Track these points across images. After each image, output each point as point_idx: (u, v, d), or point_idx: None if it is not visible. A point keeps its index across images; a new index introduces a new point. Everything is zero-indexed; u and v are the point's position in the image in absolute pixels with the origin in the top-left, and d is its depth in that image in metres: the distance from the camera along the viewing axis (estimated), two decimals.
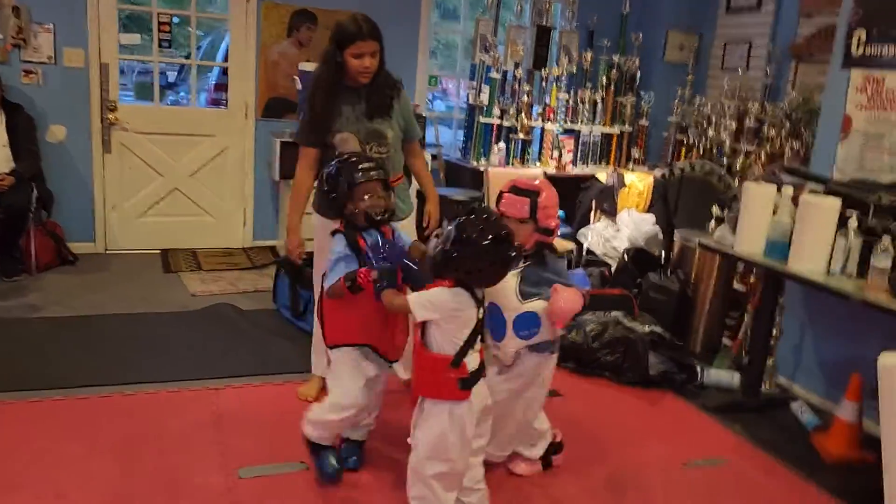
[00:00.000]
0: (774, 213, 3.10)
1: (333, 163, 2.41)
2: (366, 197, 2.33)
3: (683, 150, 5.60)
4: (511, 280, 2.27)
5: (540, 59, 5.64)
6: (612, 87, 5.83)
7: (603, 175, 5.23)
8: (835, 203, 2.85)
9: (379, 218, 2.36)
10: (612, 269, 4.44)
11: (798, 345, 3.59)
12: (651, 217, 4.67)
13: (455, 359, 2.07)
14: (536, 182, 2.37)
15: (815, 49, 4.87)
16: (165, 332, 3.77)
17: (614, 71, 5.82)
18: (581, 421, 3.12)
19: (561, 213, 5.27)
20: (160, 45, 5.17)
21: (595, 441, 2.97)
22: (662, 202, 4.92)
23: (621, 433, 3.05)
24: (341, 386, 2.42)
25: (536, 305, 2.31)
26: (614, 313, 3.72)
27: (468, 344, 2.08)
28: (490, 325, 2.32)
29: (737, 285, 4.14)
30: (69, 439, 2.64)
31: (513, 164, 5.50)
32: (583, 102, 5.76)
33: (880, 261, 2.61)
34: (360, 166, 2.35)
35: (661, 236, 4.55)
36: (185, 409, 2.94)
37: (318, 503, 2.38)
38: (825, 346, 3.48)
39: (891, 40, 3.13)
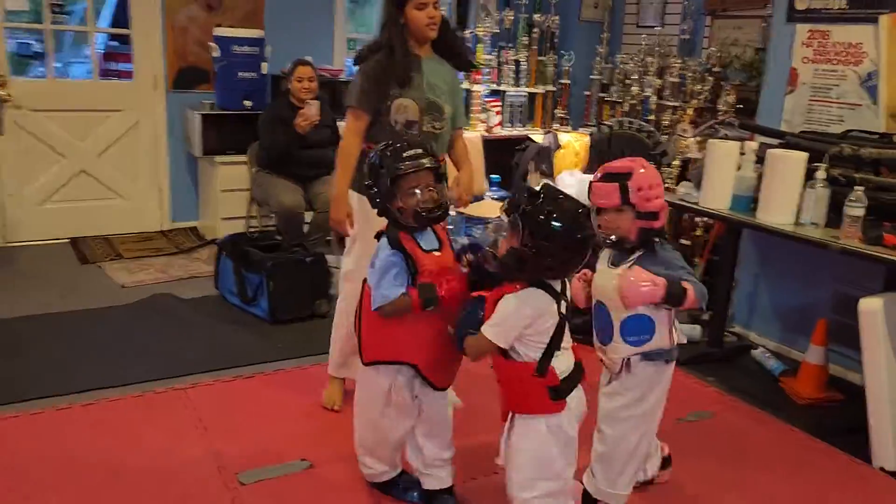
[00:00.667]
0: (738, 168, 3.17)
1: (375, 152, 2.03)
2: (416, 191, 1.95)
3: (607, 108, 5.69)
4: (618, 275, 1.96)
5: (462, 19, 5.52)
6: (534, 47, 5.79)
7: (538, 136, 5.21)
8: (802, 156, 2.95)
9: (429, 215, 1.97)
10: None
11: (752, 294, 3.74)
12: (590, 176, 4.69)
13: (539, 366, 1.81)
14: (628, 163, 2.01)
15: (730, 4, 5.01)
16: (104, 330, 3.42)
17: (535, 30, 5.78)
18: None
19: (496, 177, 5.24)
20: (52, 11, 4.62)
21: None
22: (599, 161, 4.96)
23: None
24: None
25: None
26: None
27: (553, 346, 1.81)
28: (597, 327, 2.06)
29: (683, 241, 4.26)
30: (36, 464, 2.34)
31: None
32: (506, 63, 5.70)
33: (854, 209, 2.72)
34: (405, 154, 1.95)
35: None
36: (159, 414, 2.69)
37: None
38: (778, 295, 3.65)
39: None
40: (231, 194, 4.74)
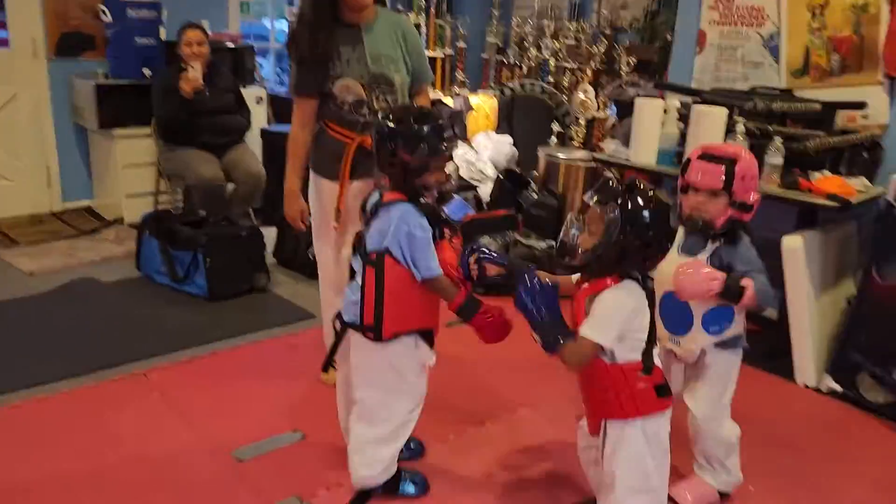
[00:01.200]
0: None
1: (411, 123, 1.85)
2: (445, 169, 1.93)
3: (506, 70, 5.83)
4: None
5: None
6: (432, 10, 5.82)
7: (448, 99, 5.27)
8: (722, 111, 3.21)
9: (447, 195, 1.96)
10: (479, 192, 4.56)
11: None
12: (508, 138, 4.84)
13: (645, 364, 1.70)
14: (733, 148, 1.98)
15: None
16: (26, 321, 3.16)
17: None
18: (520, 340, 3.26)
19: None
20: None
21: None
22: (507, 123, 5.13)
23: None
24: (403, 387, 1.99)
25: None
26: (511, 235, 3.89)
27: (651, 342, 1.71)
28: (669, 316, 1.98)
29: None
30: (8, 470, 2.17)
31: None
32: None
33: (773, 158, 3.03)
34: (446, 133, 1.88)
35: (517, 155, 4.76)
36: (125, 402, 2.56)
37: (334, 472, 2.23)
38: None
39: None
40: (134, 170, 4.46)
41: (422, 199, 1.89)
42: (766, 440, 2.51)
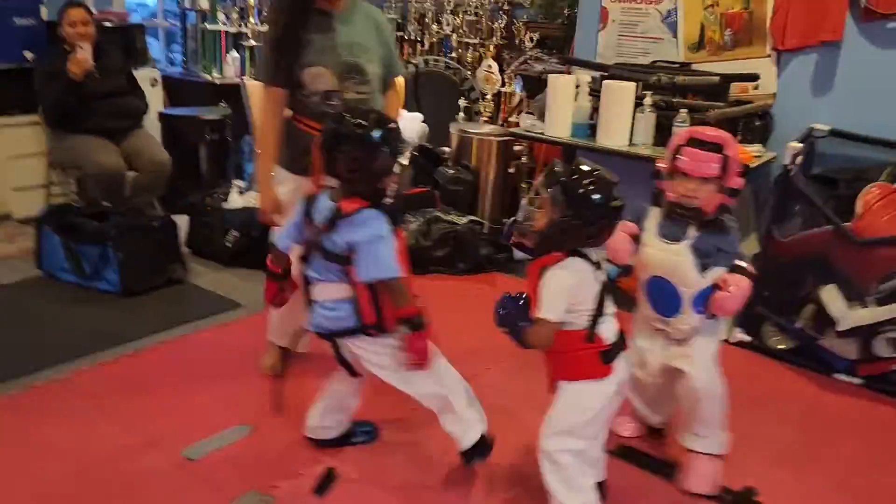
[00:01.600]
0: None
1: (372, 128, 1.84)
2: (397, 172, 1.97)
3: (405, 47, 5.81)
4: (684, 254, 1.97)
5: None
6: None
7: None
8: (631, 85, 3.37)
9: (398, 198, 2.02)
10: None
11: None
12: (419, 115, 4.84)
13: (589, 332, 1.80)
14: (716, 132, 1.98)
15: None
16: None
17: None
18: (442, 315, 3.32)
19: None
20: None
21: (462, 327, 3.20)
22: (415, 100, 5.12)
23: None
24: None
25: (715, 276, 1.97)
26: (432, 211, 3.93)
27: (599, 312, 1.81)
28: (657, 300, 2.07)
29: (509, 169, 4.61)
30: None
31: (250, 74, 5.13)
32: None
33: (679, 128, 3.21)
34: (402, 136, 1.97)
35: (428, 131, 4.78)
36: (52, 409, 2.42)
37: (290, 463, 2.22)
38: None
39: None
40: (20, 161, 4.14)
41: (383, 202, 1.89)
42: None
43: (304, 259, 1.98)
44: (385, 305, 1.92)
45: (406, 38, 5.75)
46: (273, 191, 2.39)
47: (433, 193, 4.13)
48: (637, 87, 3.41)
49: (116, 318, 3.11)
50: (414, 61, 5.42)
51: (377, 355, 2.01)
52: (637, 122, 3.39)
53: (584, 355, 1.83)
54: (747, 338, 3.11)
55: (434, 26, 5.55)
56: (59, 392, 2.53)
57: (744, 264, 1.98)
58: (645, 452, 2.34)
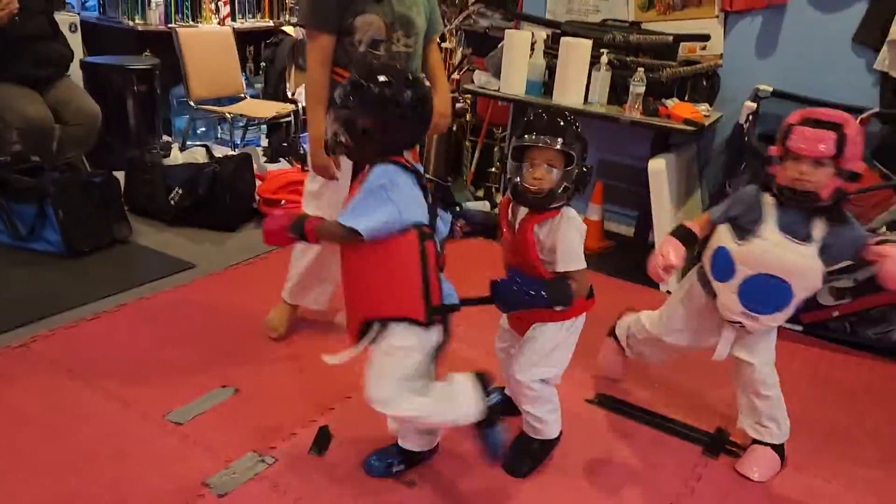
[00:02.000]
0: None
1: (392, 82, 1.64)
2: None
3: None
4: (812, 257, 1.82)
5: None
6: None
7: (290, 29, 4.99)
8: (588, 44, 3.41)
9: None
10: None
11: None
12: None
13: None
14: (837, 113, 1.80)
15: None
16: None
17: None
18: None
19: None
20: None
21: None
22: None
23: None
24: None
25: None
26: None
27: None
28: (755, 295, 1.89)
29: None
30: None
31: (174, 20, 4.83)
32: None
33: (637, 88, 3.29)
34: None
35: None
36: (14, 376, 2.26)
37: (285, 422, 2.18)
38: None
39: None
40: None
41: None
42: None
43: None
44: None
45: None
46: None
47: None
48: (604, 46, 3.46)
49: (63, 281, 2.92)
50: None
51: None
52: (593, 80, 3.45)
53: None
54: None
55: None
56: (21, 358, 2.36)
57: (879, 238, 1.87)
58: (624, 400, 2.45)
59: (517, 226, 1.86)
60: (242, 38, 4.96)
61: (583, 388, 2.48)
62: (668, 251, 1.95)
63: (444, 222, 1.82)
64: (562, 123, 1.78)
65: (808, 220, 1.82)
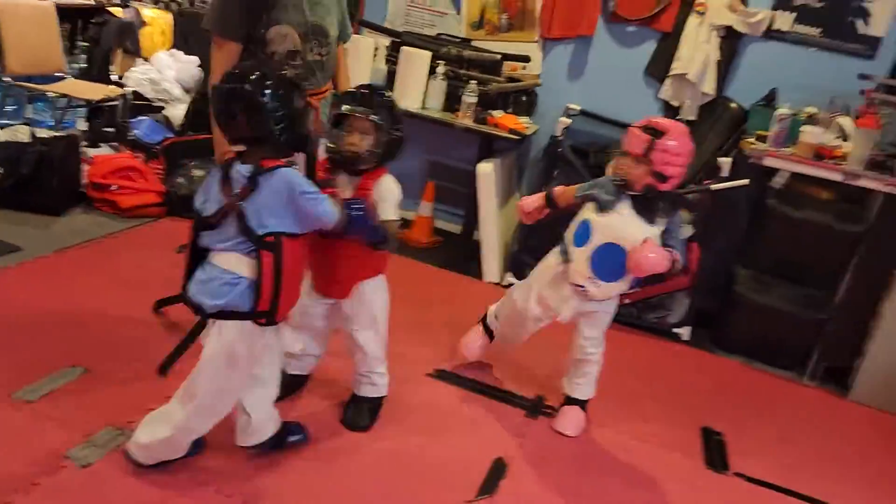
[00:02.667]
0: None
1: (273, 83, 1.75)
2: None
3: None
4: (630, 217, 2.20)
5: None
6: None
7: (118, 10, 4.79)
8: (427, 55, 3.71)
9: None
10: (168, 113, 4.37)
11: None
12: (195, 59, 4.66)
13: None
14: (671, 123, 2.15)
15: None
16: None
17: None
18: None
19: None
20: None
21: None
22: (184, 41, 4.91)
23: None
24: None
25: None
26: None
27: None
28: (601, 263, 2.25)
29: None
30: None
31: None
32: None
33: (469, 98, 3.64)
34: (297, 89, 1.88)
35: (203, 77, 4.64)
36: None
37: (139, 400, 2.21)
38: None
39: None
40: None
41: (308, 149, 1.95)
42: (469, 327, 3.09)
43: (210, 226, 1.80)
44: (284, 295, 1.81)
45: None
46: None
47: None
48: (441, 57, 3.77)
49: None
50: (178, 0, 5.17)
51: (250, 345, 1.85)
52: (430, 87, 3.75)
53: (381, 254, 2.15)
54: (515, 280, 3.67)
55: None
56: None
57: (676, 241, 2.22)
58: (460, 374, 2.75)
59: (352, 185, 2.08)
60: (63, 14, 4.69)
61: (424, 364, 2.75)
62: (531, 199, 2.45)
63: None
64: (373, 98, 2.06)
65: (652, 206, 2.19)
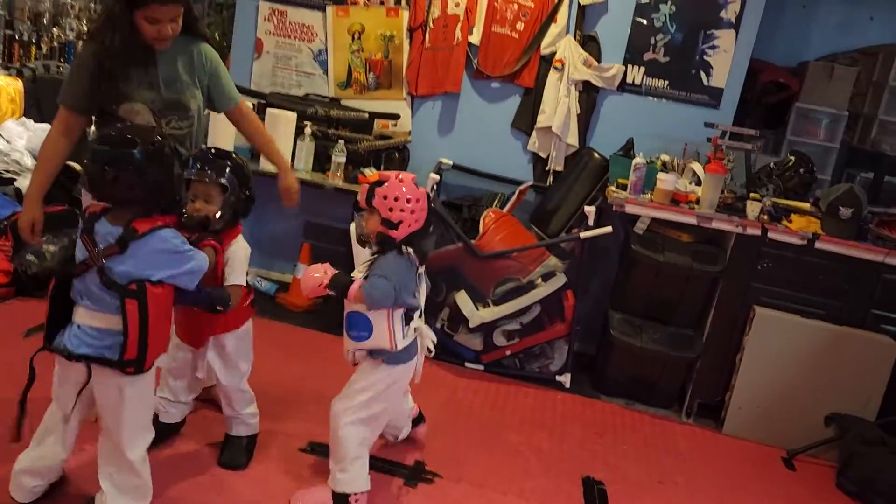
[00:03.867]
0: None
1: (157, 138, 1.84)
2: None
3: (18, 47, 5.21)
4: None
5: None
6: None
7: None
8: (293, 115, 3.66)
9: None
10: (19, 185, 4.09)
11: None
12: (49, 126, 4.39)
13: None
14: (392, 174, 2.17)
15: None
16: None
17: None
18: None
19: None
20: None
21: None
22: (36, 108, 4.65)
23: None
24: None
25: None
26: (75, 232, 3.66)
27: None
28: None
29: None
30: None
31: None
32: None
33: (338, 158, 3.61)
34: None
35: None
36: None
37: None
38: (260, 230, 4.34)
39: None
40: None
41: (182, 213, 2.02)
42: None
43: (71, 278, 1.83)
44: (152, 343, 1.83)
45: (17, 37, 5.18)
46: (39, 211, 2.30)
47: (75, 212, 3.84)
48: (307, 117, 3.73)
49: None
50: (31, 66, 4.91)
51: (125, 396, 1.88)
52: (298, 149, 3.70)
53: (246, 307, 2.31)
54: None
55: (55, 30, 5.12)
56: None
57: (360, 280, 2.14)
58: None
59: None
60: None
61: (297, 439, 2.63)
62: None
63: None
64: (219, 160, 2.14)
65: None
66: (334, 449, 2.25)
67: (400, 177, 2.16)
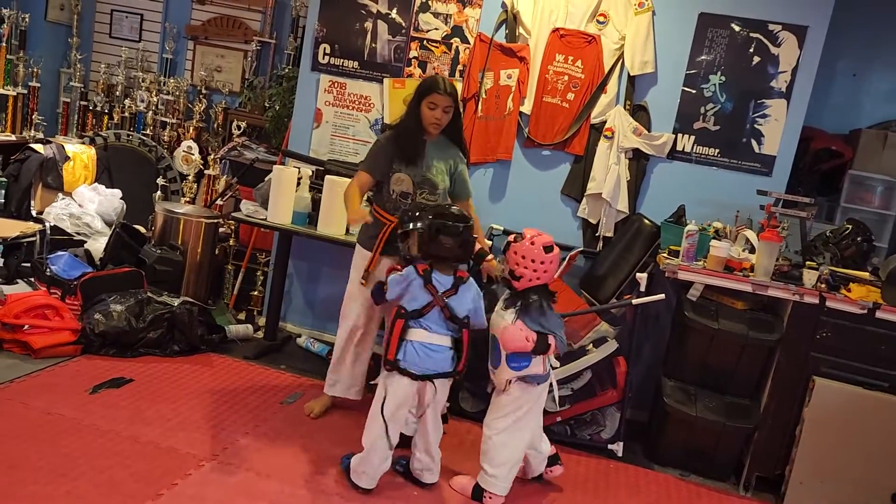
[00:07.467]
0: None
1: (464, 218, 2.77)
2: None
3: (91, 117, 5.54)
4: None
5: None
6: (3, 45, 5.19)
7: (39, 146, 4.76)
8: (348, 182, 3.78)
9: None
10: (89, 247, 4.29)
11: (289, 292, 4.45)
12: (118, 192, 4.63)
13: None
14: (528, 232, 2.77)
15: (212, 33, 5.58)
16: None
17: (4, 25, 5.19)
18: (161, 397, 3.28)
19: None
20: None
21: (191, 411, 3.21)
22: (108, 174, 4.90)
23: (170, 397, 3.36)
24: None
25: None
26: (139, 292, 3.81)
27: None
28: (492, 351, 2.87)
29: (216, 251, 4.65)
30: None
31: None
32: None
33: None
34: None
35: (125, 208, 4.60)
36: None
37: None
38: (312, 291, 4.45)
39: (346, 56, 4.20)
40: None
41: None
42: None
43: (419, 315, 2.72)
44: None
45: (91, 108, 5.51)
46: (364, 210, 3.06)
47: (140, 273, 4.00)
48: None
49: None
50: (104, 134, 5.20)
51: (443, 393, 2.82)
52: None
53: None
54: (446, 403, 3.62)
55: (126, 101, 5.43)
56: None
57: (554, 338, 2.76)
58: None
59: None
60: None
61: None
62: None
63: None
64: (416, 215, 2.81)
65: (514, 299, 2.84)
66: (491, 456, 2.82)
67: (536, 238, 2.69)
